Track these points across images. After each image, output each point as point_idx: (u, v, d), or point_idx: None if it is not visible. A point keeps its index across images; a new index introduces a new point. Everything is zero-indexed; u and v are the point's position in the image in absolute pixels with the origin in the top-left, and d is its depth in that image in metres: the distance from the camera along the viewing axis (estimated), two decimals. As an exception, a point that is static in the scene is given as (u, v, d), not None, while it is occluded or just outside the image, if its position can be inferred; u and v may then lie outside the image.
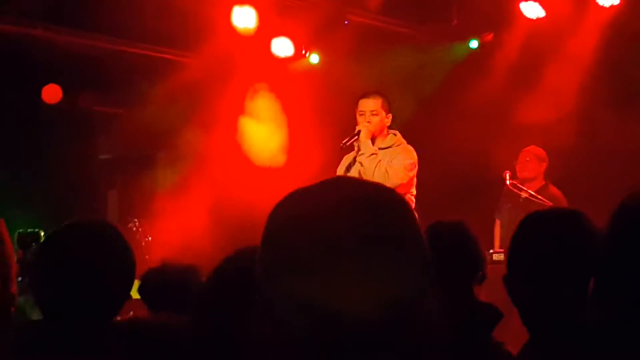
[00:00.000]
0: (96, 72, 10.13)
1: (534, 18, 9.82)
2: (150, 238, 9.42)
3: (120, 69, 10.17)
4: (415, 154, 6.95)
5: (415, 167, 6.91)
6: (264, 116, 11.01)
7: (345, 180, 1.46)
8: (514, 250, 2.66)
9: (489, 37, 10.60)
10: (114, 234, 2.83)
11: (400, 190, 6.65)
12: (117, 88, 10.68)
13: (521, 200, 8.54)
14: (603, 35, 9.41)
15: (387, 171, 6.69)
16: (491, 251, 7.92)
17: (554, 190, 8.61)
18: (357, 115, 6.99)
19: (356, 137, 6.90)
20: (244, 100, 10.99)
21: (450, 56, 10.75)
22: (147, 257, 8.85)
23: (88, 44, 9.83)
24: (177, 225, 10.05)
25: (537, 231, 2.64)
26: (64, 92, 10.24)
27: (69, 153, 10.50)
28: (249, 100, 11.01)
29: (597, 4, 9.35)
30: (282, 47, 10.71)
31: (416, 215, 1.48)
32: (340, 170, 7.11)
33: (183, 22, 9.71)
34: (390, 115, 7.01)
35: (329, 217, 1.37)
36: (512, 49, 10.13)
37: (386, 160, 6.78)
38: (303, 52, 10.93)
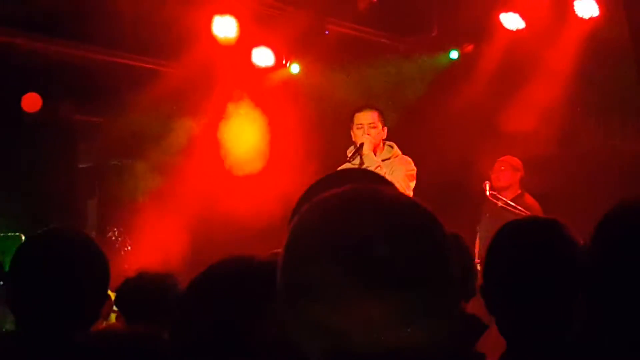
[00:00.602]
0: (76, 81, 10.09)
1: (514, 29, 9.85)
2: (129, 247, 9.40)
3: (101, 78, 10.13)
4: (413, 164, 6.99)
5: (414, 177, 6.96)
6: (243, 125, 11.00)
7: (373, 195, 1.37)
8: (490, 260, 2.65)
9: (469, 47, 10.63)
10: (87, 242, 2.82)
11: None
12: (97, 97, 10.63)
13: (497, 209, 8.57)
14: (582, 46, 9.45)
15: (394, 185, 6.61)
16: (478, 261, 7.92)
17: (529, 199, 8.63)
18: (355, 129, 7.02)
19: (359, 150, 6.90)
20: (224, 109, 10.97)
21: (431, 67, 10.77)
22: (126, 266, 8.81)
23: (69, 53, 9.80)
24: (157, 235, 10.02)
25: (512, 240, 2.63)
26: (44, 100, 10.19)
27: (48, 161, 10.47)
28: (229, 109, 10.99)
29: (576, 15, 9.39)
30: (262, 56, 10.71)
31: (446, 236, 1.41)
32: None
33: (164, 31, 9.68)
34: (385, 128, 7.06)
35: (356, 241, 1.29)
36: (492, 60, 10.16)
37: (388, 173, 6.70)
38: (284, 62, 10.92)
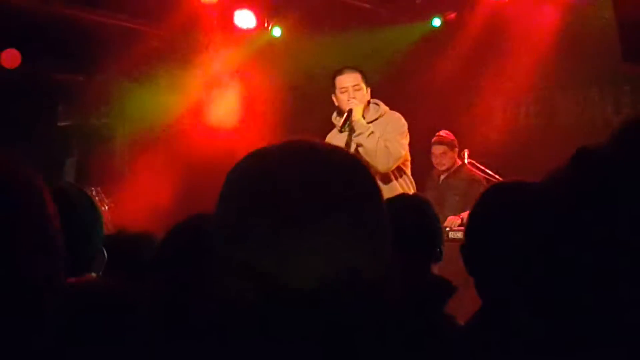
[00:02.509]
0: (57, 39, 10.04)
1: (497, -2, 9.88)
2: (107, 207, 9.39)
3: (82, 37, 10.08)
4: (403, 119, 6.75)
5: (407, 133, 6.71)
6: (224, 85, 11.00)
7: (306, 145, 1.44)
8: (473, 220, 2.69)
9: (452, 15, 10.62)
10: (80, 197, 2.88)
11: (403, 159, 6.63)
12: (77, 55, 10.58)
13: (440, 182, 8.69)
14: (564, 17, 9.48)
15: (387, 147, 6.47)
16: (447, 229, 7.98)
17: (470, 169, 8.70)
18: (338, 94, 6.73)
19: (349, 116, 6.63)
20: (205, 70, 10.95)
21: (413, 34, 10.75)
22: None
23: (50, 10, 9.73)
24: (135, 194, 10.02)
25: (496, 200, 2.66)
26: (24, 58, 10.14)
27: (27, 119, 10.43)
28: (209, 70, 10.98)
29: (559, -14, 9.42)
30: (244, 19, 10.67)
31: (377, 182, 1.47)
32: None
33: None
34: (369, 89, 6.76)
35: (279, 182, 1.37)
36: (474, 29, 10.17)
37: (379, 134, 6.58)
38: (265, 24, 10.89)
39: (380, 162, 6.45)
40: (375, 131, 6.58)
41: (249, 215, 1.36)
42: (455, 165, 8.79)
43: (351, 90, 6.69)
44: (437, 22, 10.69)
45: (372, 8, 10.77)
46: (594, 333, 1.31)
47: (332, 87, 6.83)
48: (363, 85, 6.74)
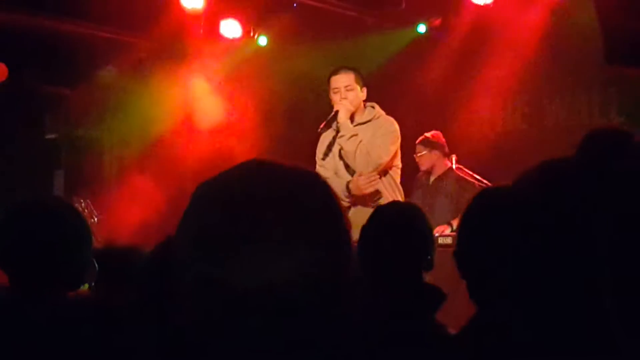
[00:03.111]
0: (43, 51, 10.04)
1: (482, 4, 9.88)
2: (96, 219, 9.37)
3: (68, 49, 10.09)
4: (396, 124, 6.74)
5: (398, 138, 6.70)
6: (210, 96, 11.01)
7: (262, 164, 1.49)
8: (464, 225, 2.69)
9: (437, 22, 10.64)
10: (70, 211, 2.92)
11: (384, 167, 6.63)
12: (64, 67, 10.58)
13: (429, 185, 8.71)
14: (549, 22, 9.50)
15: (368, 153, 6.49)
16: (437, 234, 7.99)
17: (459, 171, 8.72)
18: (332, 94, 6.73)
19: (334, 117, 6.66)
20: (191, 80, 10.96)
21: (398, 40, 10.77)
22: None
23: (36, 23, 9.73)
24: (124, 205, 10.01)
25: (487, 206, 2.67)
26: (11, 71, 10.13)
27: (14, 132, 10.42)
28: (196, 80, 10.99)
29: (543, -9, 9.45)
30: (230, 28, 10.69)
31: (335, 197, 1.49)
32: (319, 151, 6.85)
33: (132, 2, 9.64)
34: (365, 89, 6.75)
35: (237, 195, 1.41)
36: (459, 35, 10.18)
37: (368, 137, 6.57)
38: (251, 34, 10.91)
39: (358, 166, 6.48)
40: (360, 134, 6.60)
41: (208, 228, 1.41)
42: (444, 168, 8.80)
43: (343, 91, 6.70)
44: (422, 28, 10.70)
45: (358, 15, 10.78)
46: (580, 338, 1.32)
47: (327, 88, 6.84)
48: (356, 86, 6.73)
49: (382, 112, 6.85)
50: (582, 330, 1.31)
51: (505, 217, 2.25)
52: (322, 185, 1.49)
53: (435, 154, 8.83)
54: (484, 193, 2.77)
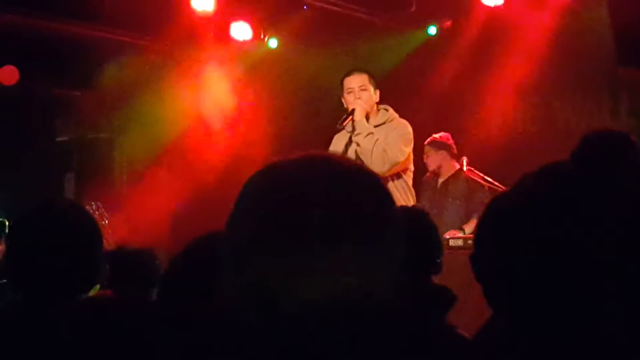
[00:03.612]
0: (54, 54, 10.05)
1: (492, 5, 9.87)
2: (107, 222, 9.38)
3: (79, 51, 10.10)
4: (410, 127, 6.80)
5: (411, 141, 6.76)
6: (221, 98, 11.01)
7: (323, 161, 1.40)
8: (481, 229, 2.68)
9: (448, 23, 10.64)
10: (81, 212, 2.94)
11: (399, 168, 6.65)
12: (75, 70, 10.60)
13: (438, 187, 8.69)
14: (560, 24, 9.49)
15: (385, 150, 6.52)
16: (447, 237, 7.98)
17: (470, 173, 8.71)
18: (345, 95, 6.80)
19: (350, 116, 6.70)
20: (202, 83, 10.98)
21: (409, 42, 10.77)
22: (103, 240, 8.81)
23: (46, 26, 9.75)
24: (135, 208, 10.02)
25: (502, 211, 2.65)
26: (22, 74, 10.15)
27: (25, 135, 10.44)
28: (207, 82, 11.00)
29: (554, -7, 9.44)
30: (240, 31, 10.70)
31: (394, 203, 1.44)
32: (334, 151, 6.73)
33: (142, 4, 9.65)
34: (378, 91, 6.84)
35: (296, 199, 1.33)
36: (470, 36, 10.18)
37: (382, 138, 6.60)
38: (262, 36, 10.92)
39: (375, 164, 6.48)
40: (375, 133, 6.62)
41: (263, 235, 1.32)
42: (453, 170, 8.80)
43: (357, 91, 6.77)
44: (432, 30, 10.70)
45: (368, 17, 10.78)
46: (590, 341, 1.32)
47: (340, 90, 6.90)
48: (370, 87, 6.81)
49: (396, 115, 6.91)
50: (591, 333, 1.31)
51: (510, 221, 2.25)
52: (385, 189, 1.43)
53: (442, 154, 8.83)
54: (498, 198, 2.76)
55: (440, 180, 8.81)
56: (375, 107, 6.85)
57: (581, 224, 1.32)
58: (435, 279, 3.65)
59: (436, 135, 8.90)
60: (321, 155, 1.41)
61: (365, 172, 1.43)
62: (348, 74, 6.91)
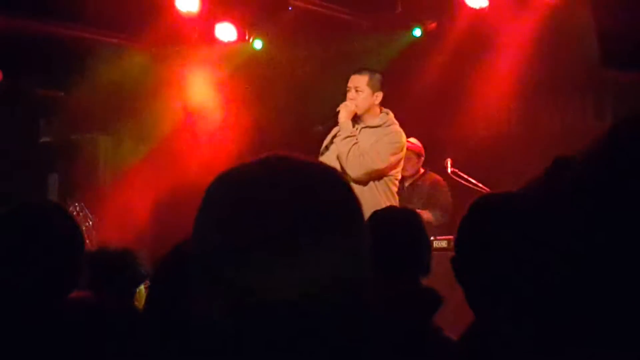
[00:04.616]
0: (38, 55, 10.02)
1: (477, 7, 9.89)
2: (90, 222, 9.37)
3: (63, 52, 10.07)
4: (403, 137, 6.80)
5: (400, 150, 6.75)
6: (206, 99, 11.01)
7: (284, 160, 1.43)
8: (462, 232, 2.68)
9: (433, 25, 10.65)
10: (61, 213, 2.92)
11: (376, 175, 6.63)
12: (59, 71, 10.57)
13: (405, 188, 8.72)
14: (544, 26, 9.51)
15: (362, 155, 6.51)
16: (432, 238, 7.99)
17: (434, 175, 8.77)
18: (347, 92, 6.82)
19: (335, 116, 6.74)
20: (187, 83, 10.97)
21: (394, 44, 10.77)
22: (87, 241, 8.80)
23: (30, 26, 9.72)
24: (118, 210, 10.00)
25: (485, 212, 2.65)
26: (5, 74, 10.12)
27: (8, 135, 10.40)
28: (192, 82, 10.99)
29: (539, -5, 9.45)
30: (225, 32, 10.69)
31: (355, 194, 1.46)
32: (322, 149, 6.89)
33: (127, 5, 9.63)
34: (379, 94, 6.80)
35: (262, 196, 1.36)
36: (455, 38, 10.19)
37: (371, 141, 6.61)
38: (246, 37, 10.91)
39: (349, 168, 6.48)
40: (361, 136, 6.62)
41: (229, 229, 1.35)
42: (419, 173, 8.86)
43: (352, 91, 6.78)
44: (417, 32, 10.71)
45: (353, 19, 10.79)
46: (574, 341, 1.31)
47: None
48: (367, 89, 6.78)
49: (395, 122, 6.88)
50: (576, 333, 1.30)
51: (507, 225, 2.25)
52: (344, 182, 1.46)
53: (421, 161, 8.88)
54: (484, 199, 2.76)
55: (406, 182, 8.80)
56: (375, 109, 6.83)
57: (558, 224, 1.31)
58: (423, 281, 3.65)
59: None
60: (280, 155, 1.44)
61: (323, 168, 1.46)
62: (354, 71, 6.92)
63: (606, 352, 1.20)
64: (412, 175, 8.84)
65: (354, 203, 1.43)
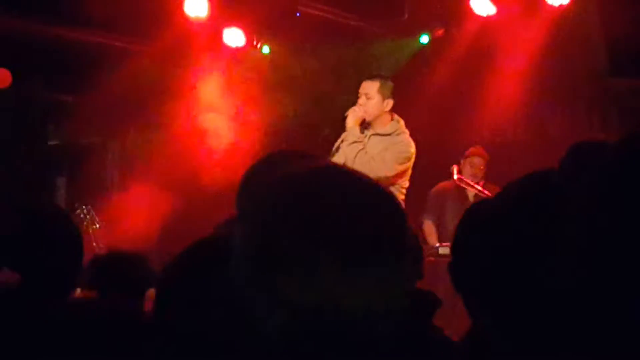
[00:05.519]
0: (47, 59, 10.06)
1: (485, 15, 9.90)
2: (98, 226, 9.38)
3: (72, 56, 10.10)
4: (412, 146, 6.80)
5: (408, 160, 6.75)
6: (214, 104, 11.02)
7: (337, 173, 1.42)
8: (460, 237, 2.70)
9: (440, 32, 10.66)
10: (59, 215, 2.92)
11: (383, 182, 6.64)
12: (68, 75, 10.60)
13: (470, 198, 8.69)
14: (551, 34, 9.52)
15: (369, 162, 6.52)
16: (437, 245, 8.01)
17: (494, 186, 8.77)
18: (358, 98, 6.83)
19: (343, 121, 6.76)
20: (195, 89, 10.98)
21: (401, 50, 10.79)
22: (94, 244, 8.83)
23: (40, 30, 9.75)
24: (127, 212, 10.02)
25: (483, 218, 2.67)
26: (15, 77, 10.15)
27: (18, 139, 10.44)
28: (200, 88, 11.00)
29: (546, 3, 9.45)
30: (233, 37, 10.71)
31: (403, 212, 1.46)
32: (332, 151, 6.90)
33: (136, 9, 9.66)
34: (390, 101, 6.80)
35: (324, 215, 1.32)
36: (462, 45, 10.21)
37: (378, 148, 6.62)
38: (254, 42, 10.93)
39: None
40: (369, 143, 6.64)
41: (291, 242, 1.31)
42: (482, 183, 8.94)
43: (363, 97, 6.79)
44: (425, 39, 10.72)
45: (360, 25, 10.81)
46: (559, 346, 1.34)
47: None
48: (377, 95, 6.78)
49: (405, 131, 6.89)
50: (562, 337, 1.33)
51: (486, 230, 2.28)
52: (398, 201, 1.46)
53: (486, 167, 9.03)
54: (479, 205, 2.78)
55: (472, 190, 8.78)
56: (386, 116, 6.84)
57: (556, 230, 1.34)
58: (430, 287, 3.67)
59: None
60: (338, 170, 1.43)
61: (376, 184, 1.46)
62: (366, 78, 6.94)
63: (599, 358, 1.22)
64: (478, 182, 8.86)
65: (404, 226, 1.43)
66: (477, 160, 8.96)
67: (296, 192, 1.36)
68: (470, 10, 9.94)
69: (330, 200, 1.34)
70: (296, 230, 1.31)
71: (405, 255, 1.39)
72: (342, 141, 6.80)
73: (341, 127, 6.83)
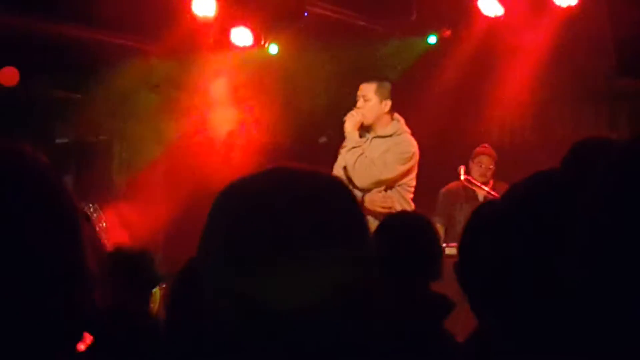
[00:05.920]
0: (54, 57, 10.07)
1: (492, 15, 9.89)
2: (105, 224, 9.39)
3: (80, 54, 10.11)
4: (414, 146, 6.79)
5: (410, 159, 6.74)
6: (221, 104, 11.03)
7: (288, 171, 1.46)
8: (467, 238, 2.70)
9: (448, 33, 10.65)
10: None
11: (385, 184, 6.62)
12: (75, 73, 10.62)
13: (480, 198, 8.68)
14: (559, 34, 9.51)
15: (369, 166, 6.51)
16: (444, 245, 7.99)
17: (504, 184, 8.75)
18: (357, 100, 6.80)
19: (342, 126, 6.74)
20: (203, 88, 10.99)
21: (409, 51, 10.78)
22: (102, 242, 8.84)
23: (47, 28, 9.76)
24: (133, 212, 10.03)
25: (490, 218, 2.67)
26: (22, 75, 10.16)
27: (24, 136, 10.45)
28: (208, 87, 11.01)
29: (554, 3, 9.44)
30: (241, 36, 10.71)
31: (358, 202, 1.48)
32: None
33: (143, 8, 9.66)
34: (388, 102, 6.77)
35: (268, 210, 1.38)
36: (470, 46, 10.20)
37: (380, 150, 6.61)
38: (262, 42, 10.93)
39: (357, 178, 6.49)
40: (370, 147, 6.62)
41: (234, 240, 1.38)
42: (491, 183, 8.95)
43: (361, 100, 6.77)
44: (432, 39, 10.72)
45: (368, 25, 10.80)
46: (561, 345, 1.34)
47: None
48: (375, 97, 6.76)
49: (406, 130, 6.88)
50: (575, 335, 1.33)
51: (492, 231, 2.28)
52: (349, 193, 1.48)
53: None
54: (486, 206, 2.78)
55: (482, 192, 8.79)
56: (385, 117, 6.81)
57: (562, 230, 1.34)
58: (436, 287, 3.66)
59: None
60: (284, 166, 1.47)
61: (327, 178, 1.49)
62: (364, 79, 6.92)
63: (601, 358, 1.22)
64: (487, 182, 8.86)
65: (357, 212, 1.46)
66: (485, 159, 8.96)
67: (243, 195, 1.44)
68: (478, 10, 9.93)
69: (268, 200, 1.39)
70: (237, 226, 1.39)
71: (355, 244, 1.41)
72: (343, 147, 6.77)
73: (340, 132, 6.81)
